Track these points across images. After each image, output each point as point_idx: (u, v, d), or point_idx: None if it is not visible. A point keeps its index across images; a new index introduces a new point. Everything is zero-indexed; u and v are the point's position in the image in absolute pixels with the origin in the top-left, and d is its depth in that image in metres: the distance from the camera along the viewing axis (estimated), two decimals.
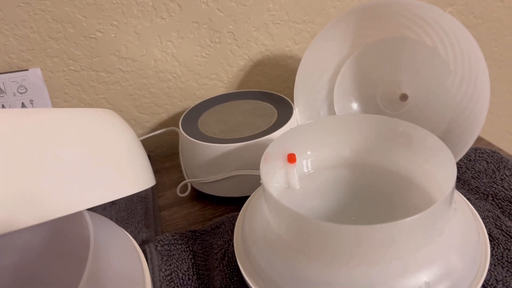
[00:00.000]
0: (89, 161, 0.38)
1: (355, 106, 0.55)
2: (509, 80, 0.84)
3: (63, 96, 0.57)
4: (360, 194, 0.38)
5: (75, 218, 0.32)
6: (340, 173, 0.40)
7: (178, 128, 0.52)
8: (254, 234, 0.33)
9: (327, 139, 0.39)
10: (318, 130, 0.39)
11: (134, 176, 0.44)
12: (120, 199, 0.51)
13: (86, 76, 0.57)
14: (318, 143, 0.39)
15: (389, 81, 0.53)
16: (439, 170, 0.33)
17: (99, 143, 0.40)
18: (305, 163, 0.40)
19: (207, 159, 0.48)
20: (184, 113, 0.54)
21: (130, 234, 0.46)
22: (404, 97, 0.53)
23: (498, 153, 0.48)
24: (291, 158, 0.38)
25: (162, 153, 0.64)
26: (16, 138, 0.30)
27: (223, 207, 0.50)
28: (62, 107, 0.58)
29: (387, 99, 0.54)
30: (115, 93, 0.59)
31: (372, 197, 0.38)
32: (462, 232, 0.30)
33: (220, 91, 0.63)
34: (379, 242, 0.26)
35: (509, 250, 0.37)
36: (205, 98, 0.59)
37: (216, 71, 0.62)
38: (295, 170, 0.38)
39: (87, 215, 0.31)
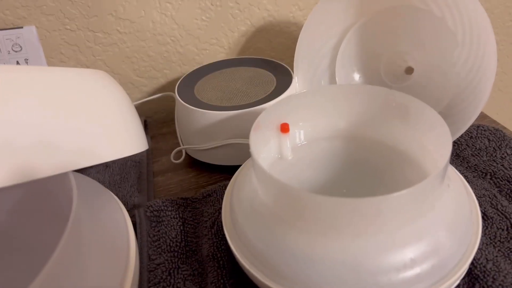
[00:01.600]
0: (78, 121, 0.37)
1: (357, 77, 0.53)
2: None
3: (59, 56, 0.56)
4: (354, 167, 0.37)
5: (60, 179, 0.31)
6: (335, 145, 0.39)
7: (175, 93, 0.51)
8: (242, 203, 0.33)
9: (322, 110, 0.38)
10: (313, 100, 0.37)
11: (125, 139, 0.43)
12: (114, 163, 0.51)
13: (83, 37, 0.56)
14: (313, 113, 0.38)
15: (393, 53, 0.51)
16: (435, 145, 0.32)
17: (89, 104, 0.40)
18: (299, 134, 0.39)
19: (201, 126, 0.47)
20: (181, 78, 0.53)
21: (121, 198, 0.46)
22: (409, 70, 0.51)
23: (501, 131, 0.47)
24: (284, 128, 0.37)
25: (160, 118, 0.64)
26: (2, 96, 0.29)
27: (217, 175, 0.50)
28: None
29: (391, 71, 0.52)
30: (113, 55, 0.58)
31: (365, 171, 0.37)
32: (453, 209, 0.29)
33: (220, 57, 0.62)
34: (364, 216, 0.25)
35: (502, 230, 0.36)
36: (205, 64, 0.58)
37: (216, 36, 0.60)
38: (288, 140, 0.38)
39: (71, 175, 0.31)
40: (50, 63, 0.56)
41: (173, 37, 0.58)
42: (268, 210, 0.30)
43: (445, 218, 0.28)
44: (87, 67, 0.58)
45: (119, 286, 0.28)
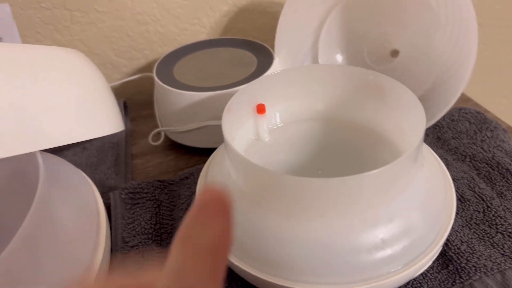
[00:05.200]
0: (48, 100, 0.36)
1: (340, 58, 0.53)
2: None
3: (35, 35, 0.55)
4: (331, 148, 0.37)
5: (27, 159, 0.30)
6: (312, 126, 0.38)
7: (153, 74, 0.49)
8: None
9: (299, 91, 0.37)
10: (290, 81, 0.36)
11: (99, 119, 0.42)
12: (92, 145, 0.50)
13: (59, 15, 0.54)
14: (290, 94, 0.37)
15: (377, 34, 0.50)
16: (410, 125, 0.31)
17: (61, 82, 0.39)
18: (276, 115, 0.38)
19: (179, 107, 0.46)
20: (160, 59, 0.51)
21: (98, 180, 0.45)
22: (395, 53, 0.50)
23: (483, 114, 0.46)
24: (260, 109, 0.36)
25: (141, 100, 0.62)
26: None
27: (196, 158, 0.49)
28: None
29: (375, 53, 0.51)
30: (91, 34, 0.56)
31: (342, 152, 0.36)
32: (427, 190, 0.29)
33: (202, 37, 0.60)
34: (333, 196, 0.25)
35: (478, 212, 0.36)
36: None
37: (197, 16, 0.58)
38: (264, 121, 0.37)
39: (38, 155, 0.30)
40: (26, 42, 0.55)
41: (153, 16, 0.57)
42: (239, 191, 0.29)
43: (418, 199, 0.28)
44: (65, 46, 0.56)
45: (86, 268, 0.28)
